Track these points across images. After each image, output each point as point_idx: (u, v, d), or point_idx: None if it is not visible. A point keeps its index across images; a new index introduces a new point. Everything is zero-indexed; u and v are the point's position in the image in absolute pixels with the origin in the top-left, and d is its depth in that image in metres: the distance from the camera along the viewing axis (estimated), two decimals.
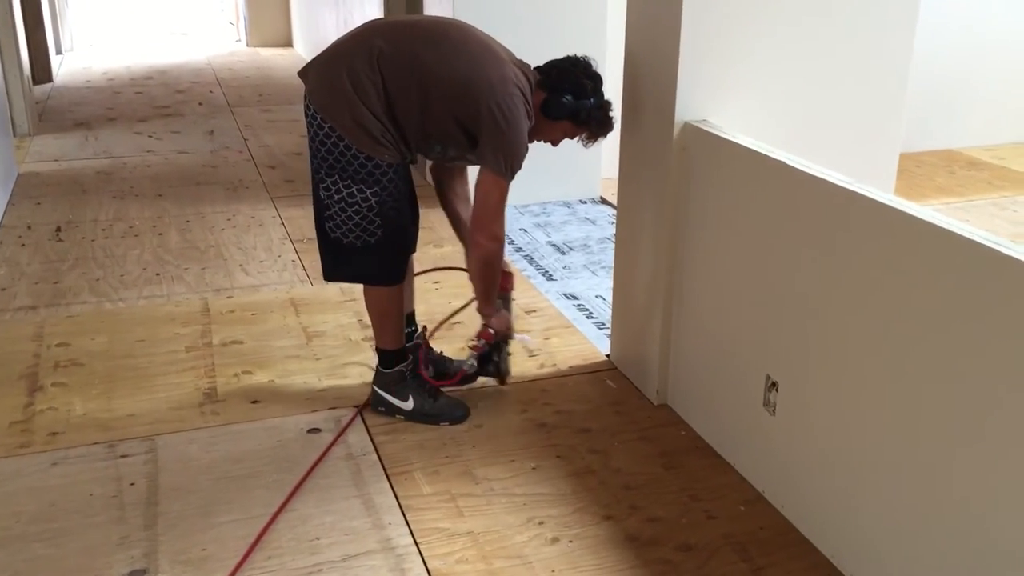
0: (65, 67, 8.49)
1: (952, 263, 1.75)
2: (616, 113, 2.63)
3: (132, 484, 2.43)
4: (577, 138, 2.64)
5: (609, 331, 3.19)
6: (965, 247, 1.72)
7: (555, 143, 2.67)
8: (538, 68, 2.58)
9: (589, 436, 2.69)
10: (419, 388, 2.74)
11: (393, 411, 2.73)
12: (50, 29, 7.75)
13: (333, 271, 2.65)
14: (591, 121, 2.58)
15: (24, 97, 5.88)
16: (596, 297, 3.63)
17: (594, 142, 2.66)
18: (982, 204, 4.88)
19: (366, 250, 2.54)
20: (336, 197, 2.49)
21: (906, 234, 1.87)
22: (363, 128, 2.41)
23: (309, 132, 2.51)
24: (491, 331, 2.74)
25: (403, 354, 2.74)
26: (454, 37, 2.50)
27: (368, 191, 2.46)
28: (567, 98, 2.52)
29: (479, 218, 2.53)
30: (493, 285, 2.67)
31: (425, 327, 2.98)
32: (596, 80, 2.58)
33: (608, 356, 3.14)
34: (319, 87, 2.48)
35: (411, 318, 2.88)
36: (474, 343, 2.77)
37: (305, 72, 2.54)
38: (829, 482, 2.16)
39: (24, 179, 5.00)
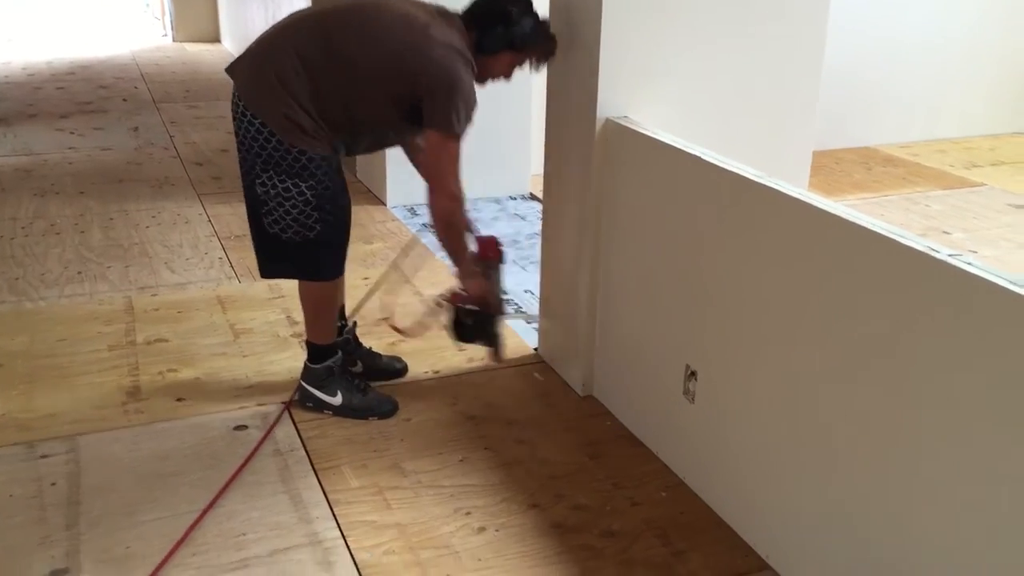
0: None
1: (860, 255, 1.83)
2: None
3: (53, 484, 2.40)
4: (527, 65, 2.63)
5: (537, 325, 3.24)
6: (872, 240, 1.79)
7: (508, 76, 2.64)
8: (462, 12, 2.56)
9: (516, 428, 2.73)
10: (347, 383, 2.75)
11: (321, 406, 2.74)
12: None
13: (270, 268, 2.64)
14: (529, 44, 2.57)
15: None
16: (525, 292, 3.67)
17: (544, 63, 2.65)
18: (896, 199, 5.06)
19: (305, 245, 2.53)
20: (272, 192, 2.47)
21: (815, 227, 1.94)
22: (293, 122, 2.41)
23: (239, 129, 2.48)
24: (464, 293, 2.67)
25: (333, 349, 2.74)
26: (369, 14, 2.49)
27: (303, 185, 2.45)
28: (498, 29, 2.52)
29: (433, 178, 2.52)
30: (459, 244, 2.61)
31: (356, 322, 2.99)
32: (522, 3, 2.56)
33: (536, 350, 3.18)
34: (247, 83, 2.47)
35: (342, 313, 2.88)
36: (440, 297, 2.72)
37: (232, 69, 2.52)
38: (746, 467, 2.24)
39: None
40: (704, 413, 2.37)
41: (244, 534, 2.24)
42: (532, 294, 3.62)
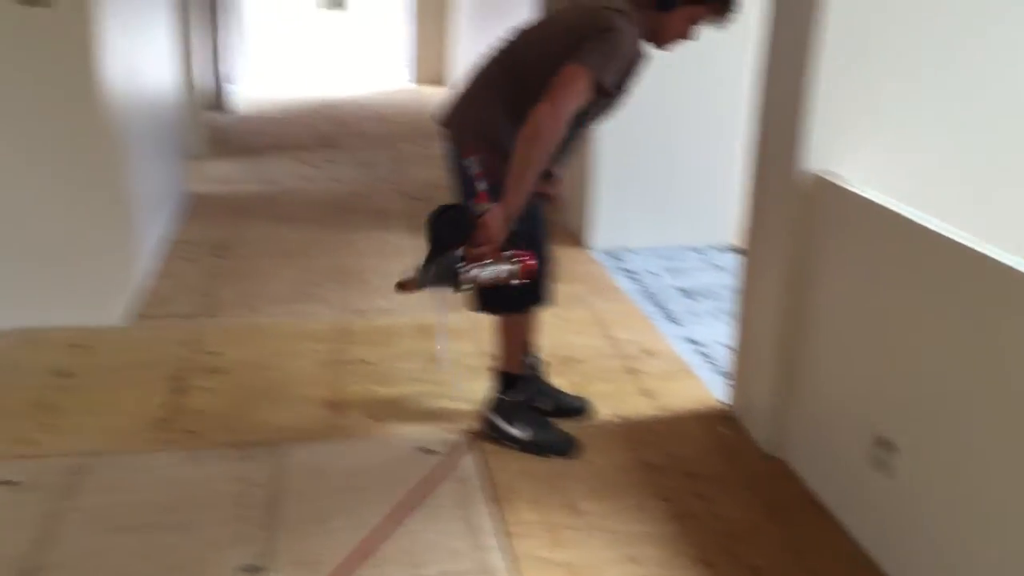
0: (239, 97, 9.11)
1: None
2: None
3: (257, 486, 2.60)
4: (707, 22, 2.55)
5: (729, 379, 3.17)
6: None
7: (686, 35, 2.57)
8: None
9: (696, 481, 2.69)
10: (533, 418, 2.81)
11: (504, 438, 2.80)
12: (225, 61, 8.36)
13: (484, 303, 2.71)
14: None
15: (197, 123, 6.39)
16: (719, 344, 3.61)
17: (724, 19, 2.55)
18: None
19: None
20: None
21: None
22: (502, 157, 2.49)
23: (451, 168, 2.63)
24: (486, 203, 2.39)
25: (522, 381, 2.81)
26: (541, 21, 2.62)
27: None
28: None
29: (547, 95, 2.34)
30: (529, 165, 2.37)
31: (544, 360, 3.05)
32: None
33: (725, 403, 3.12)
34: (458, 130, 2.61)
35: (532, 349, 2.95)
36: (479, 170, 2.41)
37: (443, 120, 2.65)
38: (944, 552, 2.08)
39: (193, 199, 5.41)
40: (903, 489, 2.23)
41: (419, 553, 2.33)
42: (727, 347, 3.55)
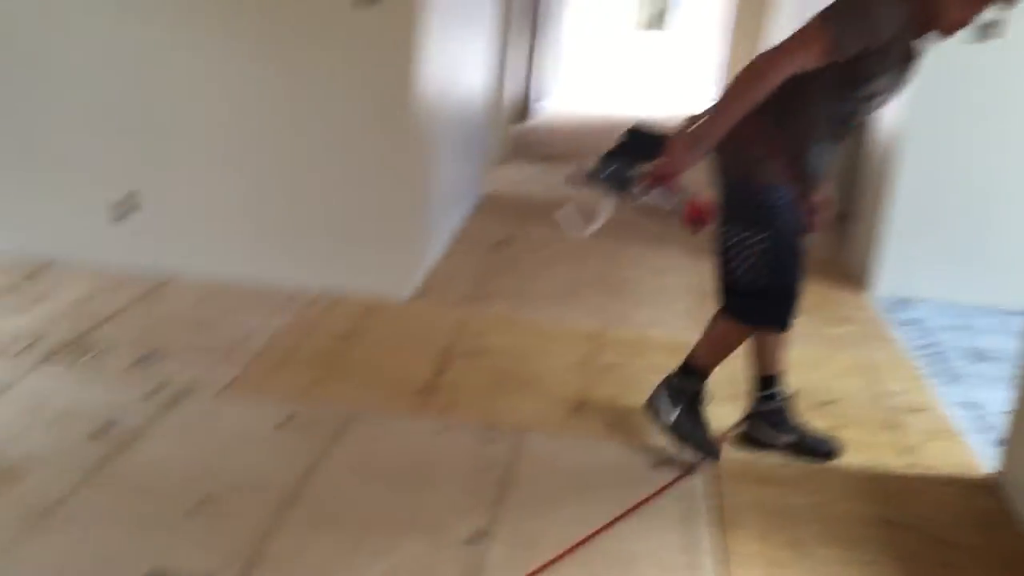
0: (545, 109, 9.53)
1: None
2: None
3: (495, 464, 2.74)
4: (990, 3, 2.38)
5: (1000, 447, 2.90)
6: None
7: (968, 19, 2.41)
8: None
9: (943, 549, 2.49)
10: (692, 411, 2.80)
11: (658, 414, 2.82)
12: (538, 77, 8.76)
13: (725, 299, 2.75)
14: None
15: (501, 132, 6.78)
16: (996, 410, 3.30)
17: (1005, 2, 2.36)
18: None
19: (758, 293, 2.62)
20: (732, 241, 2.61)
21: None
22: (753, 156, 2.50)
23: (714, 186, 2.67)
24: (676, 138, 2.43)
25: (703, 377, 2.81)
26: None
27: (761, 235, 2.54)
28: None
29: (778, 46, 2.36)
30: (732, 100, 2.38)
31: (801, 399, 2.94)
32: None
33: (993, 474, 2.86)
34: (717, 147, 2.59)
35: (772, 381, 2.87)
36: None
37: None
38: None
39: (486, 198, 5.75)
40: None
41: (632, 560, 2.35)
42: (1002, 413, 3.24)
